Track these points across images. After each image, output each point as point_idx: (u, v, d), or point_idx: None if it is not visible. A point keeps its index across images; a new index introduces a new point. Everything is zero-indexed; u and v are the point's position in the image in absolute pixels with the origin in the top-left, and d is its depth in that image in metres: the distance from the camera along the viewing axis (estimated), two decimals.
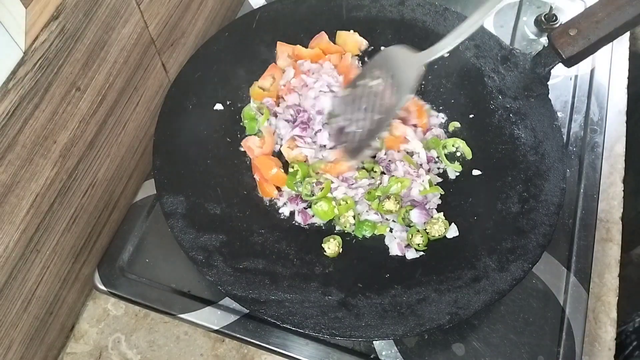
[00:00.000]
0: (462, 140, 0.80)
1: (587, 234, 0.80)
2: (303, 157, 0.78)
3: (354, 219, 0.75)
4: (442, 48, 0.69)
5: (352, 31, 0.88)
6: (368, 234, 0.74)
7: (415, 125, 0.81)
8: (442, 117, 0.83)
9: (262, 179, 0.77)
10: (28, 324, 0.67)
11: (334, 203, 0.74)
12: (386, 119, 0.71)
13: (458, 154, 0.80)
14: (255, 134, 0.81)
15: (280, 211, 0.76)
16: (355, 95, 0.75)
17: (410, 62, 0.71)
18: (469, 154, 0.80)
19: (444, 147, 0.80)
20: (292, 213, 0.76)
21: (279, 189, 0.77)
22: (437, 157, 0.80)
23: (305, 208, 0.76)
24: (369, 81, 0.74)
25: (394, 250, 0.73)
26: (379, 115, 0.72)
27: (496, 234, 0.72)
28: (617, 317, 0.77)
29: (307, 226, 0.75)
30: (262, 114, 0.80)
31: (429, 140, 0.80)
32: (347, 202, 0.74)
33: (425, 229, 0.73)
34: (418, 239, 0.73)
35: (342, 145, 0.75)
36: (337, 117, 0.77)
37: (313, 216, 0.75)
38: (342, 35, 0.88)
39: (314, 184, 0.75)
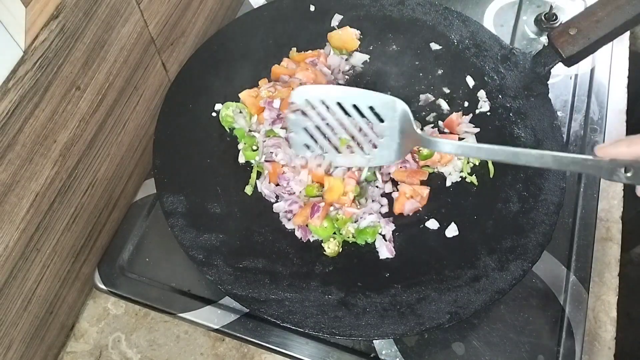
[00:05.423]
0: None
1: (587, 233, 0.79)
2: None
3: (354, 229, 0.74)
4: (443, 149, 0.65)
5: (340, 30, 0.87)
6: (370, 240, 0.74)
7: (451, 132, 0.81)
8: (476, 130, 0.81)
9: None
10: (28, 323, 0.67)
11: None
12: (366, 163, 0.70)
13: (477, 163, 0.79)
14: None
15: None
16: (345, 117, 0.69)
17: (410, 133, 0.66)
18: (491, 172, 0.78)
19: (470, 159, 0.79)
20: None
21: None
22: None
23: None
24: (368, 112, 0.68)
25: (384, 253, 0.73)
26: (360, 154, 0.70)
27: (496, 233, 0.72)
28: (616, 317, 0.78)
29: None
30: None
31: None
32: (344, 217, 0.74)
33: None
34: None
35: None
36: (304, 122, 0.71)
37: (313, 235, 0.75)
38: (334, 35, 0.87)
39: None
